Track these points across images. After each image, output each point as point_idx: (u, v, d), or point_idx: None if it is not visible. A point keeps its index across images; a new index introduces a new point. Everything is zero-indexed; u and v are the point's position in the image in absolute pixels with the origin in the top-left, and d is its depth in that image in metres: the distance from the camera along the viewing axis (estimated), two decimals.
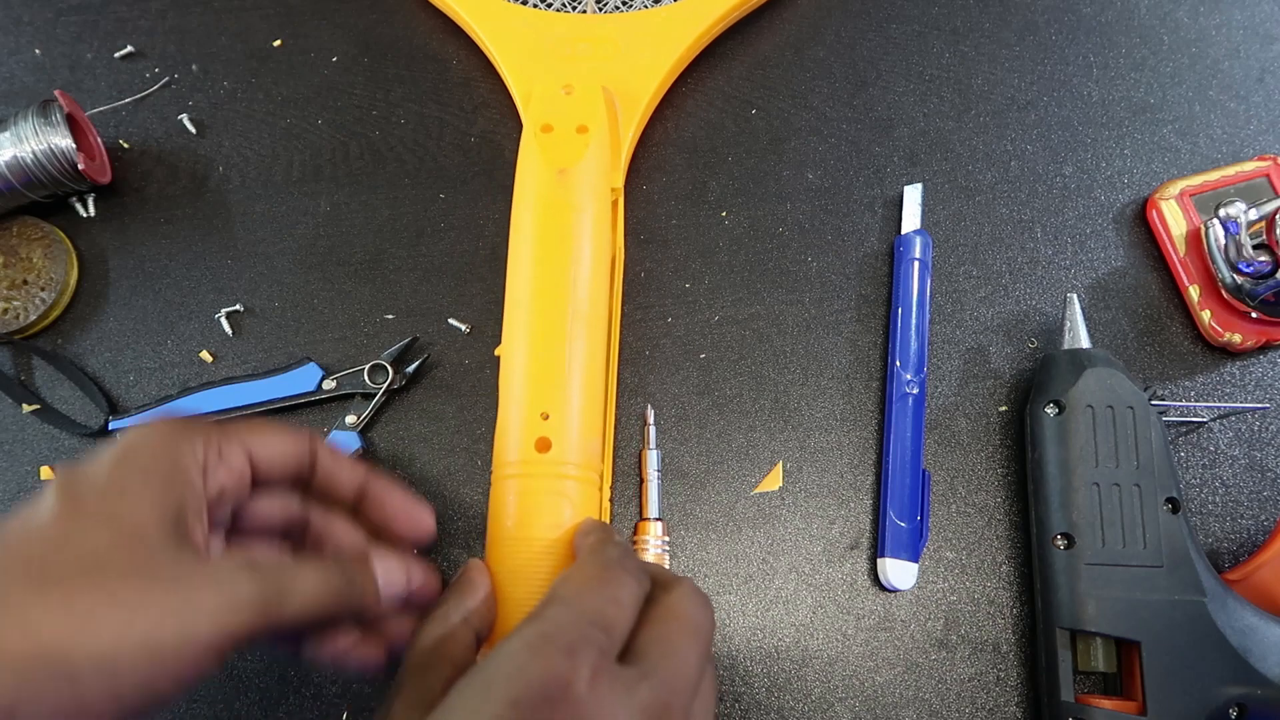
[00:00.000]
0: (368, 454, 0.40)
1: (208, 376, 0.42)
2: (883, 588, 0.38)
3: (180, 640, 0.24)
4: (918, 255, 0.41)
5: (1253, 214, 0.40)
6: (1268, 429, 0.41)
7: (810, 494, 0.40)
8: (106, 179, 0.44)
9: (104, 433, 0.40)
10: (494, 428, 0.40)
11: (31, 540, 0.25)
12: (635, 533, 0.38)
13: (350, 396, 0.41)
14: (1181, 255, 0.42)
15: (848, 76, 0.47)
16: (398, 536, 0.34)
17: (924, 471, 0.39)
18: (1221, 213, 0.39)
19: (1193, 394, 0.41)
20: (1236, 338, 0.40)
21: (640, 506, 0.39)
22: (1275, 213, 0.38)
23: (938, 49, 0.47)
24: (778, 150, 0.45)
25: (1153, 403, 0.37)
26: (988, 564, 0.39)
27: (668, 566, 0.38)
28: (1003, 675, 0.37)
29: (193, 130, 0.46)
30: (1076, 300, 0.40)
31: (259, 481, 0.31)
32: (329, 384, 0.40)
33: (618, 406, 0.41)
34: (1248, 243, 0.39)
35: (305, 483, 0.33)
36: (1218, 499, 0.40)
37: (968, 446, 0.40)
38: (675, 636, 0.26)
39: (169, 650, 0.24)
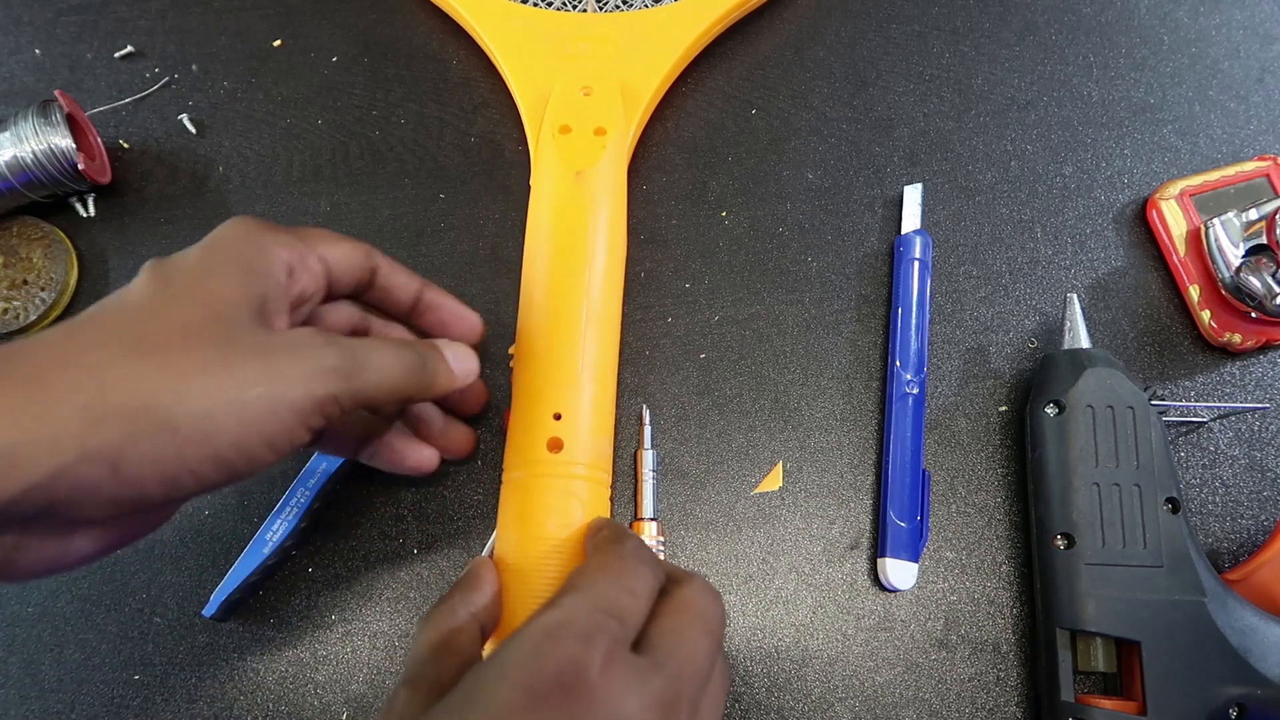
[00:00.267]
0: None
1: None
2: (883, 588, 0.38)
3: (268, 403, 0.25)
4: (918, 255, 0.41)
5: (1253, 214, 0.40)
6: (1268, 429, 0.41)
7: (810, 494, 0.40)
8: (106, 179, 0.44)
9: None
10: (495, 427, 0.40)
11: (125, 312, 0.26)
12: None
13: None
14: (1181, 255, 0.42)
15: (848, 76, 0.47)
16: (451, 339, 0.35)
17: (924, 471, 0.39)
18: (1220, 219, 0.39)
19: (1193, 394, 0.41)
20: (1236, 338, 0.40)
21: (635, 506, 0.39)
22: (1275, 213, 0.38)
23: (938, 49, 0.47)
24: (778, 150, 0.45)
25: (1153, 403, 0.37)
26: (988, 564, 0.39)
27: None
28: (1003, 675, 0.37)
29: (193, 130, 0.46)
30: (1076, 300, 0.40)
31: (329, 290, 0.32)
32: None
33: (617, 406, 0.41)
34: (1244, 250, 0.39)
35: (361, 291, 0.34)
36: (1218, 499, 0.40)
37: (968, 446, 0.41)
38: (687, 629, 0.27)
39: (257, 412, 0.25)
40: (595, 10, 0.45)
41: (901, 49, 0.47)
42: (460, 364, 0.32)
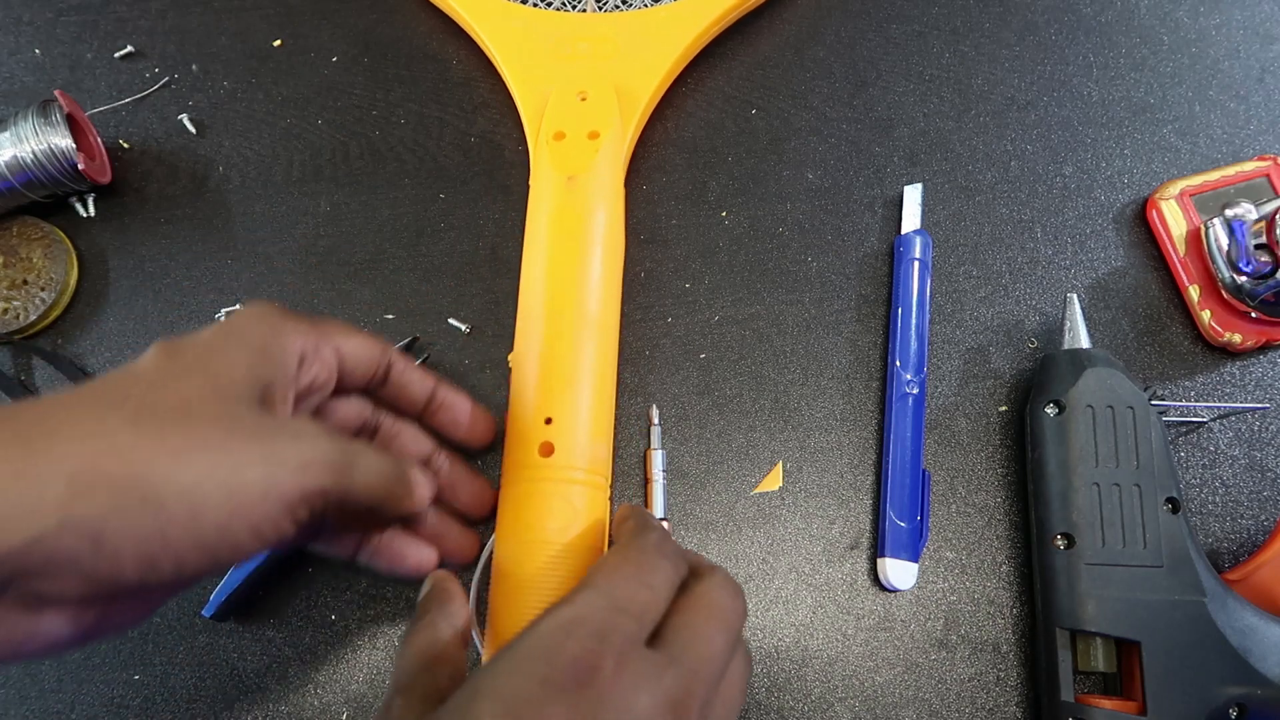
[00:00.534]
0: None
1: None
2: (883, 588, 0.38)
3: (260, 489, 0.25)
4: (918, 255, 0.41)
5: (1253, 214, 0.40)
6: (1268, 429, 0.41)
7: (810, 494, 0.40)
8: (106, 179, 0.44)
9: None
10: (497, 428, 0.40)
11: (128, 383, 0.26)
12: None
13: None
14: (1181, 255, 0.42)
15: (848, 76, 0.47)
16: (462, 441, 0.36)
17: (924, 471, 0.39)
18: (1229, 212, 0.39)
19: (1193, 394, 0.41)
20: (1236, 338, 0.40)
21: (646, 507, 0.39)
22: (1275, 213, 0.38)
23: (938, 49, 0.47)
24: (778, 150, 0.45)
25: (1153, 403, 0.37)
26: (988, 564, 0.39)
27: None
28: (1003, 675, 0.37)
29: (193, 130, 0.46)
30: (1076, 300, 0.40)
31: (341, 383, 0.32)
32: None
33: (618, 407, 0.41)
34: (1250, 243, 0.39)
35: (375, 387, 0.34)
36: (1218, 499, 0.40)
37: (968, 446, 0.40)
38: (704, 624, 0.27)
39: (248, 496, 0.25)
40: (595, 10, 0.45)
41: (901, 49, 0.47)
42: (422, 491, 0.31)
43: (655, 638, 0.26)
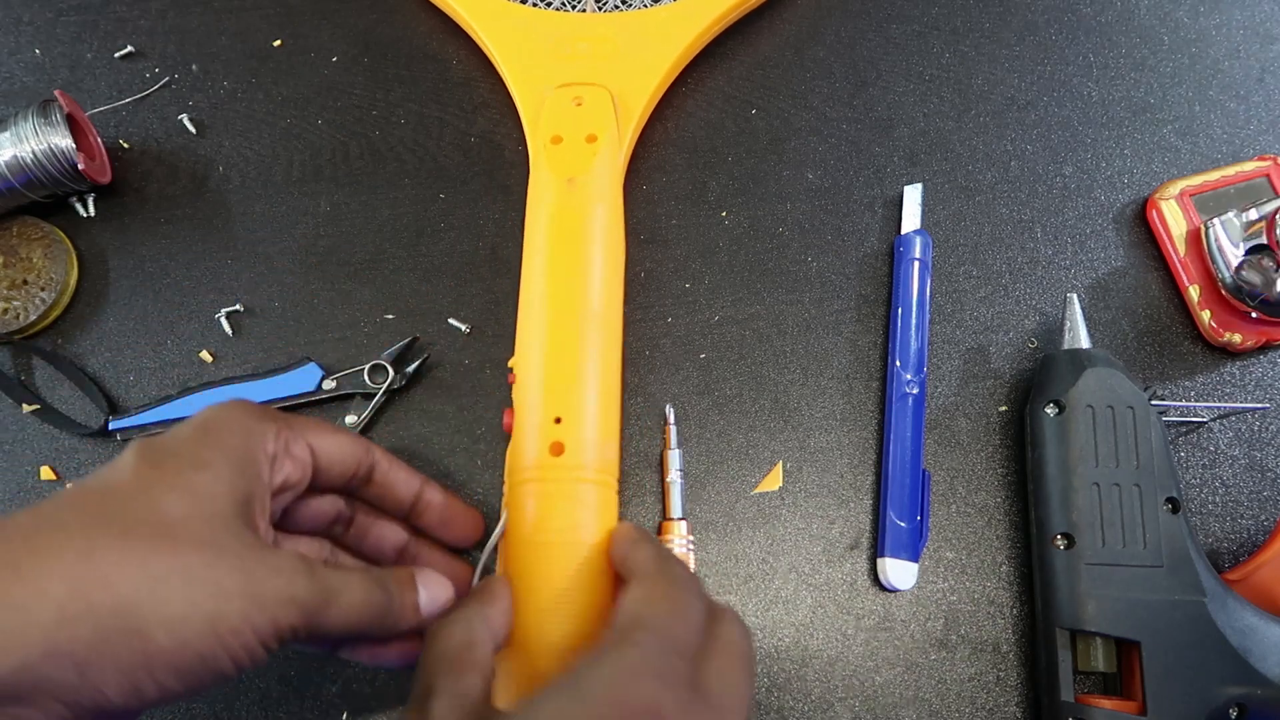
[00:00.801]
0: None
1: (208, 376, 0.42)
2: (883, 588, 0.38)
3: (239, 621, 0.25)
4: (918, 255, 0.41)
5: (1253, 214, 0.40)
6: (1268, 429, 0.41)
7: (810, 494, 0.40)
8: (106, 179, 0.44)
9: (104, 433, 0.40)
10: (494, 428, 0.40)
11: (113, 495, 0.26)
12: (660, 532, 0.38)
13: (350, 396, 0.41)
14: (1181, 255, 0.42)
15: (848, 76, 0.47)
16: (445, 540, 0.35)
17: (924, 471, 0.39)
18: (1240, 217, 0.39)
19: (1193, 394, 0.41)
20: (1236, 338, 0.40)
21: (663, 506, 0.39)
22: (1275, 213, 0.38)
23: (938, 49, 0.47)
24: (778, 150, 0.45)
25: (1153, 403, 0.37)
26: (988, 564, 0.39)
27: (693, 565, 0.38)
28: (1003, 675, 0.37)
29: (193, 130, 0.46)
30: (1076, 300, 0.40)
31: (317, 480, 0.32)
32: (329, 384, 0.40)
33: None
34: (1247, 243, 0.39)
35: (357, 487, 0.34)
36: (1218, 499, 0.40)
37: (968, 446, 0.40)
38: (736, 671, 0.27)
39: (228, 627, 0.25)
40: (594, 10, 0.45)
41: (901, 49, 0.47)
42: (431, 604, 0.31)
43: (694, 680, 0.26)
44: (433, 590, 0.31)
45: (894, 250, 0.43)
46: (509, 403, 0.40)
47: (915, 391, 0.40)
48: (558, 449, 0.34)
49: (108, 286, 0.43)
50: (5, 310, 0.42)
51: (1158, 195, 0.43)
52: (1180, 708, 0.33)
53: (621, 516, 0.38)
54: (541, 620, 0.33)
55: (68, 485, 0.26)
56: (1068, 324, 0.39)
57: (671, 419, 0.40)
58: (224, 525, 0.26)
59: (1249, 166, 0.43)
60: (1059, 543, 0.36)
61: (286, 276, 0.43)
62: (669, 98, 0.46)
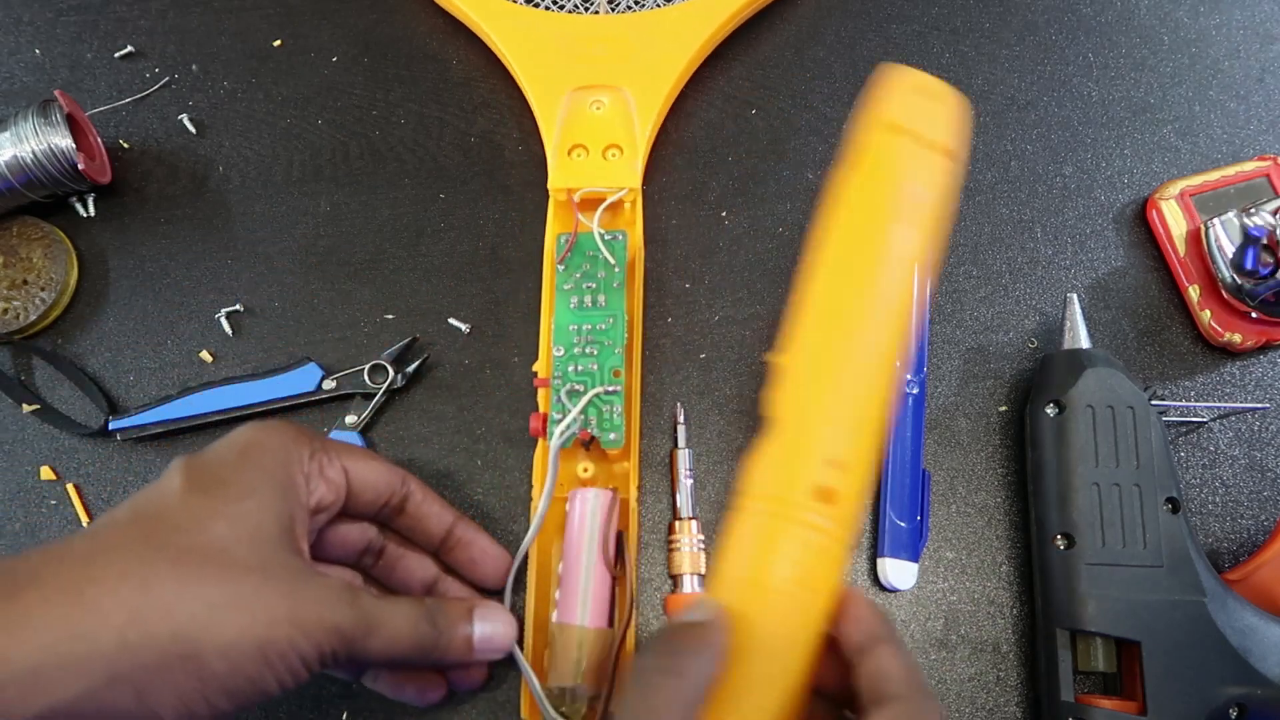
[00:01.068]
0: None
1: (208, 376, 0.42)
2: (883, 588, 0.38)
3: (286, 645, 0.26)
4: None
5: (1259, 219, 0.40)
6: (1268, 429, 0.41)
7: None
8: (106, 179, 0.44)
9: (104, 433, 0.40)
10: (494, 427, 0.40)
11: (165, 520, 0.26)
12: (670, 532, 0.38)
13: (350, 396, 0.41)
14: (1181, 255, 0.42)
15: (848, 76, 0.47)
16: (474, 580, 0.35)
17: (924, 471, 0.39)
18: (1252, 221, 0.39)
19: (1193, 394, 0.41)
20: (1236, 338, 0.40)
21: (673, 506, 0.39)
22: (1275, 213, 0.38)
23: (938, 49, 0.47)
24: (778, 150, 0.45)
25: (1153, 403, 0.37)
26: (988, 564, 0.39)
27: (703, 565, 0.38)
28: (1003, 675, 0.37)
29: (193, 130, 0.46)
30: (1076, 300, 0.40)
31: (348, 506, 0.32)
32: (329, 384, 0.40)
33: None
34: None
35: (390, 517, 0.34)
36: (1218, 499, 0.40)
37: (968, 446, 0.40)
38: None
39: (276, 651, 0.25)
40: (607, 12, 0.45)
41: (901, 49, 0.47)
42: (487, 641, 0.31)
43: None
44: (493, 625, 0.32)
45: None
46: (514, 403, 0.41)
47: (915, 392, 0.40)
48: (828, 495, 0.27)
49: (108, 286, 0.43)
50: (5, 310, 0.42)
51: (1158, 195, 0.43)
52: (1180, 708, 0.33)
53: (676, 525, 0.38)
54: (750, 679, 0.26)
55: (118, 506, 0.27)
56: (1068, 324, 0.39)
57: (682, 418, 0.40)
58: (271, 551, 0.27)
59: (1249, 166, 0.43)
60: (1059, 543, 0.36)
61: (286, 276, 0.43)
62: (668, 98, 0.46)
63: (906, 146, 0.30)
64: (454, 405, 0.41)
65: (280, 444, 0.29)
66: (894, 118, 0.30)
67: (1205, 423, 0.41)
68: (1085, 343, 0.39)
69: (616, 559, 0.35)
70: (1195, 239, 0.42)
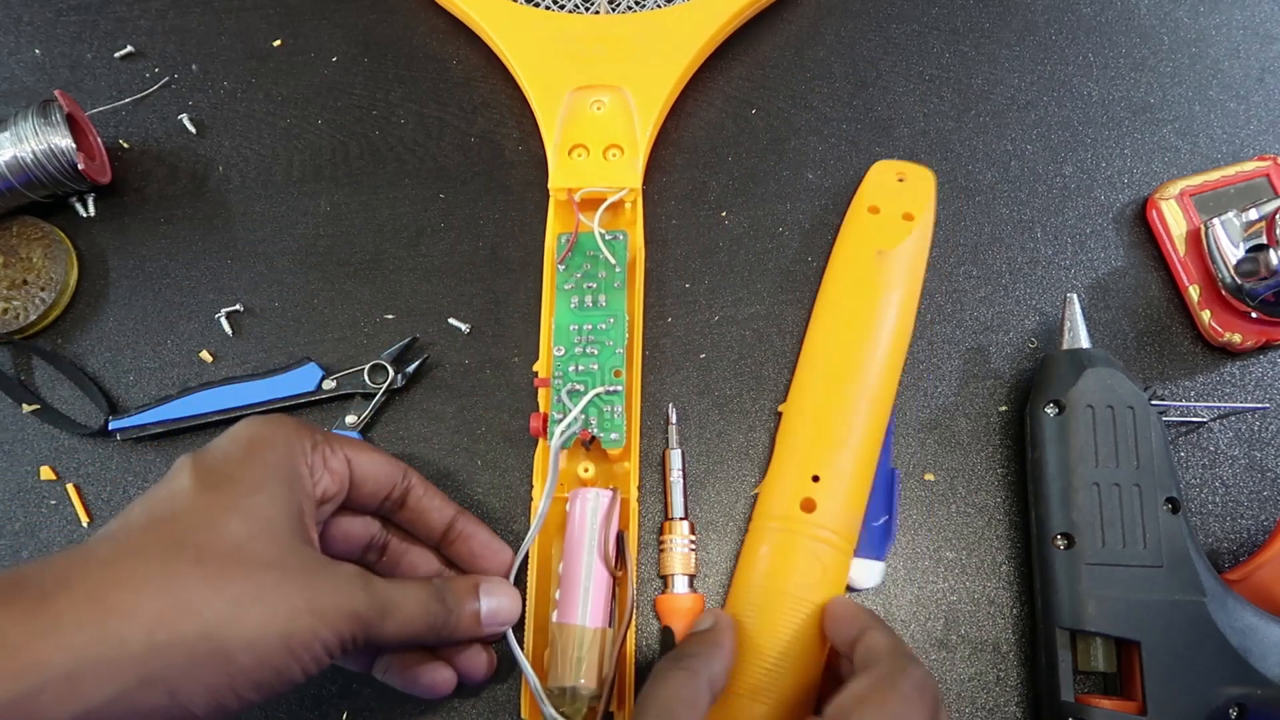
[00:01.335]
0: None
1: (208, 376, 0.42)
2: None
3: (309, 635, 0.26)
4: None
5: (1252, 214, 0.40)
6: (1268, 429, 0.41)
7: None
8: (106, 179, 0.44)
9: (104, 433, 0.40)
10: (495, 427, 0.40)
11: (180, 522, 0.27)
12: (662, 532, 0.38)
13: (350, 396, 0.41)
14: (1181, 255, 0.42)
15: (848, 76, 0.47)
16: (476, 573, 0.35)
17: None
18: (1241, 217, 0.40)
19: (1193, 394, 0.41)
20: (1236, 338, 0.40)
21: (665, 506, 0.39)
22: (1275, 212, 0.38)
23: (938, 49, 0.47)
24: (778, 150, 0.45)
25: (1153, 403, 0.37)
26: (988, 564, 0.39)
27: (694, 566, 0.38)
28: (1003, 675, 0.37)
29: (193, 130, 0.46)
30: (1076, 300, 0.40)
31: (350, 498, 0.32)
32: (329, 384, 0.40)
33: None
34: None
35: (391, 510, 0.34)
36: (1218, 499, 0.40)
37: (968, 446, 0.40)
38: None
39: (300, 641, 0.26)
40: (608, 12, 0.45)
41: (901, 49, 0.47)
42: (494, 615, 0.32)
43: None
44: (499, 599, 0.33)
45: None
46: (514, 403, 0.41)
47: None
48: (809, 505, 0.36)
49: (108, 286, 0.43)
50: (5, 310, 0.42)
51: (1158, 195, 0.43)
52: (1180, 708, 0.33)
53: (641, 519, 0.38)
54: (759, 673, 0.33)
55: (130, 508, 0.27)
56: (1068, 324, 0.39)
57: (674, 418, 0.40)
58: (285, 544, 0.27)
59: (1249, 166, 0.43)
60: (1059, 543, 0.36)
61: (286, 276, 0.43)
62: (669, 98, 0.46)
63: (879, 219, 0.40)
64: (454, 405, 0.41)
65: (283, 436, 0.30)
66: (870, 200, 0.41)
67: (1205, 423, 0.41)
68: (1085, 343, 0.39)
69: (617, 559, 0.35)
70: (1195, 239, 0.42)
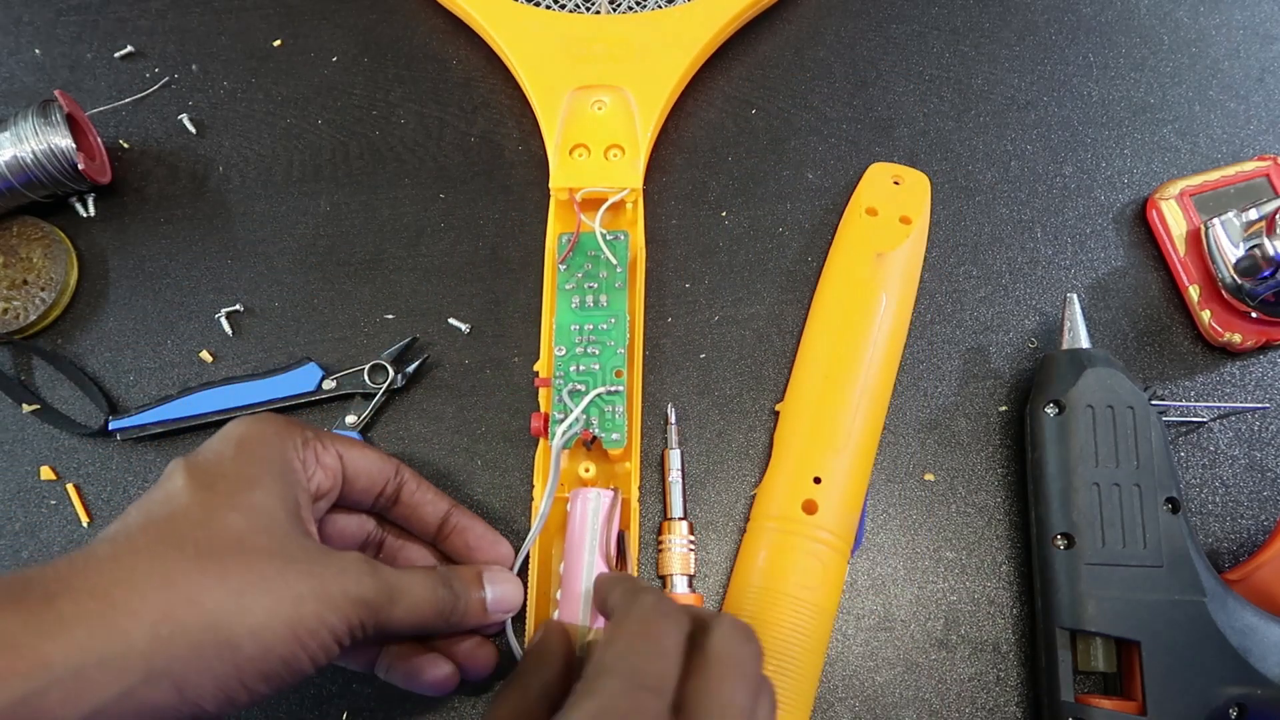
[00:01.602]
0: None
1: (208, 376, 0.42)
2: None
3: (315, 623, 0.26)
4: None
5: (1252, 214, 0.40)
6: (1268, 429, 0.41)
7: None
8: (106, 179, 0.44)
9: (104, 433, 0.40)
10: (495, 427, 0.40)
11: (178, 520, 0.27)
12: (660, 532, 0.38)
13: (350, 396, 0.41)
14: (1181, 255, 0.42)
15: (848, 76, 0.47)
16: (477, 564, 0.35)
17: None
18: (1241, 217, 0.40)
19: (1193, 394, 0.41)
20: (1236, 338, 0.40)
21: (664, 506, 0.39)
22: (1275, 212, 0.38)
23: (938, 49, 0.47)
24: (778, 150, 0.45)
25: (1153, 403, 0.37)
26: (988, 564, 0.39)
27: (693, 565, 0.38)
28: (1003, 675, 0.37)
29: (193, 130, 0.46)
30: (1076, 300, 0.40)
31: (344, 495, 0.32)
32: (329, 384, 0.40)
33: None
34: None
35: (385, 507, 0.34)
36: (1218, 499, 0.40)
37: (968, 446, 0.40)
38: (722, 683, 0.26)
39: (306, 629, 0.26)
40: (609, 12, 0.45)
41: (901, 49, 0.47)
42: (498, 602, 0.33)
43: (678, 707, 0.25)
44: (501, 588, 0.33)
45: None
46: (514, 403, 0.40)
47: None
48: (811, 507, 0.36)
49: (108, 286, 0.43)
50: (5, 310, 0.42)
51: (1158, 195, 0.43)
52: (1180, 708, 0.33)
53: (641, 518, 0.38)
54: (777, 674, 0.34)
55: (126, 512, 0.27)
56: (1068, 324, 0.39)
57: (673, 418, 0.40)
58: (285, 535, 0.27)
59: (1249, 166, 0.43)
60: (1059, 543, 0.36)
61: (286, 276, 0.43)
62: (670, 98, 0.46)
63: (876, 221, 0.41)
64: (454, 405, 0.41)
65: (274, 433, 0.30)
66: (867, 202, 0.41)
67: (1205, 423, 0.41)
68: (1085, 343, 0.39)
69: (618, 559, 0.35)
70: (1195, 239, 0.42)
